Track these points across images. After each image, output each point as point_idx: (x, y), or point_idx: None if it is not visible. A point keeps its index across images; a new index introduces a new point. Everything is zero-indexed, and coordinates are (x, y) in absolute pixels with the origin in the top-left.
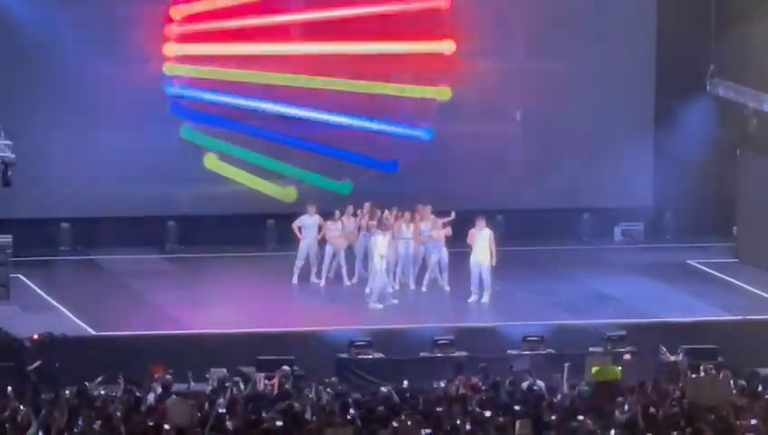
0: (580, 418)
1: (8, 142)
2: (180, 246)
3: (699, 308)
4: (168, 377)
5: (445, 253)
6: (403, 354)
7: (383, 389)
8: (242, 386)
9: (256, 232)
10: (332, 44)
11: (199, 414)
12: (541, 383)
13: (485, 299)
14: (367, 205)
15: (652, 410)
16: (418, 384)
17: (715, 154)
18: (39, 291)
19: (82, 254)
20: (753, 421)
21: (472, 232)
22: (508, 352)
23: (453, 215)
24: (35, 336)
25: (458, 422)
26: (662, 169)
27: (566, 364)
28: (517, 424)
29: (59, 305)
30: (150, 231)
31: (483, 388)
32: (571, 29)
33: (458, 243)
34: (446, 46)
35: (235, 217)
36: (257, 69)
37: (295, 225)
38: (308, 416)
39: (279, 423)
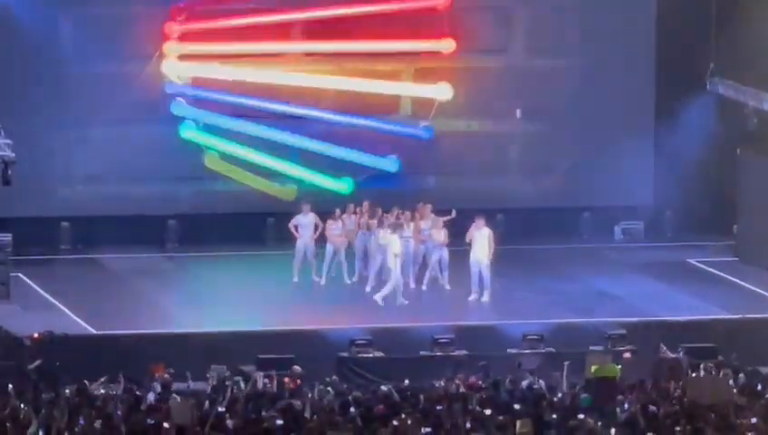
0: (581, 416)
1: (8, 141)
2: (180, 245)
3: (699, 307)
4: (168, 376)
5: (445, 252)
6: (403, 353)
7: (383, 387)
8: (242, 385)
9: (256, 231)
10: (332, 43)
11: (199, 413)
12: (541, 382)
13: (485, 298)
14: (366, 203)
15: (652, 408)
16: (419, 383)
17: (715, 153)
18: (39, 290)
19: (83, 253)
20: (754, 420)
21: (471, 230)
22: (516, 351)
23: (453, 213)
24: (35, 335)
25: (458, 421)
26: (662, 167)
27: (566, 363)
28: (518, 423)
29: (59, 304)
30: (151, 230)
31: (483, 386)
32: (571, 27)
33: (458, 242)
34: (446, 45)
35: (235, 215)
36: (257, 67)
37: (291, 224)
38: (307, 415)
39: (279, 422)
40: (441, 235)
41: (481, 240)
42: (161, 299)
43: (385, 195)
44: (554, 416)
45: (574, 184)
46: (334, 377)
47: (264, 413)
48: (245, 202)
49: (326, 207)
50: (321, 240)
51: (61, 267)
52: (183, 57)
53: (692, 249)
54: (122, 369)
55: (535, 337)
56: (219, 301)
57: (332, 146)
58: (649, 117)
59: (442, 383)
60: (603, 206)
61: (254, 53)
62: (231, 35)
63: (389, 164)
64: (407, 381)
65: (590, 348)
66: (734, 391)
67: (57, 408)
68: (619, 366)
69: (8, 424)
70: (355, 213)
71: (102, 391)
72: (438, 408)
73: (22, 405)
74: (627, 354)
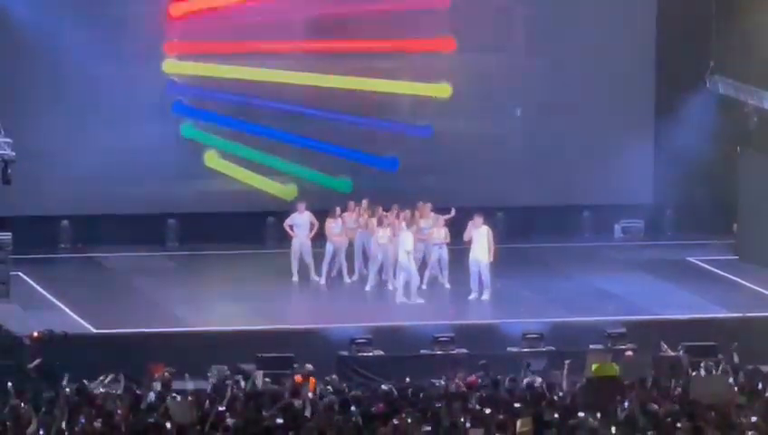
0: (581, 415)
1: (8, 140)
2: (181, 244)
3: (699, 305)
4: (168, 374)
5: (445, 251)
6: (403, 352)
7: (383, 386)
8: (242, 383)
9: (256, 229)
10: (332, 42)
11: (199, 412)
12: (541, 380)
13: (485, 297)
14: (365, 202)
15: (652, 406)
16: (419, 382)
17: (715, 151)
18: (39, 289)
19: (82, 251)
20: (754, 419)
21: (469, 228)
22: (516, 349)
23: (453, 212)
24: (35, 334)
25: (458, 420)
26: (662, 166)
27: (566, 362)
28: (518, 422)
29: (59, 303)
30: (151, 229)
31: (483, 385)
32: (570, 26)
33: (458, 240)
34: (446, 43)
35: (235, 214)
36: (257, 66)
37: (287, 223)
38: (307, 413)
39: (279, 421)
40: (441, 233)
41: (480, 239)
42: (161, 298)
43: (385, 194)
44: (555, 415)
45: (574, 183)
46: (334, 376)
47: (264, 412)
48: (245, 201)
49: (326, 205)
50: (321, 239)
51: (60, 266)
52: (183, 56)
53: (692, 248)
54: (122, 368)
55: (535, 336)
56: (219, 300)
57: (332, 145)
58: (649, 115)
59: (442, 382)
60: (603, 204)
61: (255, 52)
62: (231, 34)
63: (389, 163)
64: (407, 380)
65: (591, 347)
66: (735, 389)
67: (57, 407)
68: (618, 365)
69: (8, 423)
70: (355, 211)
71: (102, 390)
72: (438, 406)
73: (22, 404)
74: (629, 353)
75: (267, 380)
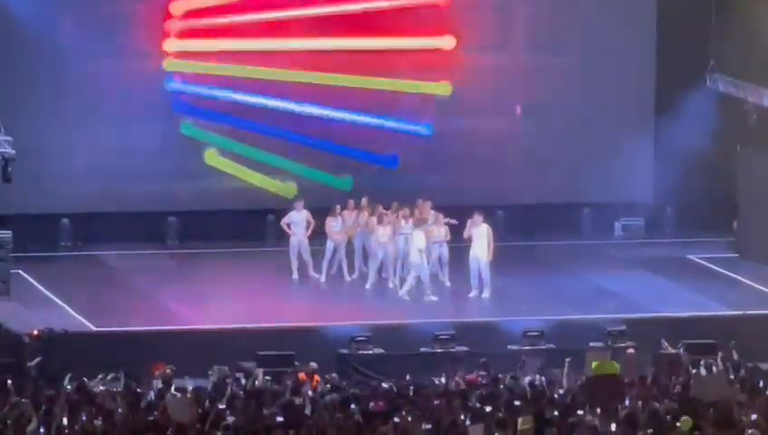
0: (580, 412)
1: (8, 138)
2: (181, 242)
3: (699, 303)
4: (169, 371)
5: (445, 248)
6: (403, 350)
7: (384, 384)
8: (243, 382)
9: (257, 227)
10: (333, 40)
11: (200, 410)
12: (542, 379)
13: (486, 294)
14: (364, 200)
15: (653, 404)
16: (419, 380)
17: (715, 149)
18: (39, 287)
19: (83, 249)
20: (754, 417)
21: (468, 226)
22: (517, 347)
23: (454, 221)
24: (35, 332)
25: (458, 418)
26: (662, 164)
27: (567, 359)
28: (519, 420)
29: (59, 301)
30: (151, 227)
31: (483, 383)
32: (571, 24)
33: (459, 238)
34: (446, 41)
35: (235, 212)
36: (257, 64)
37: (284, 222)
38: (307, 412)
39: (279, 419)
40: (441, 231)
41: (480, 237)
42: (161, 296)
43: (385, 192)
44: (555, 413)
45: (574, 181)
46: (333, 374)
47: (264, 410)
48: (245, 199)
49: (326, 204)
50: (321, 237)
51: (61, 264)
52: (183, 54)
53: (692, 245)
54: (122, 366)
55: (536, 334)
56: (219, 298)
57: (332, 143)
58: (649, 113)
59: (442, 380)
60: (603, 202)
61: (255, 50)
62: (231, 32)
63: (389, 161)
64: (407, 378)
65: (591, 344)
66: (737, 386)
67: (57, 405)
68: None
69: (8, 421)
70: (355, 210)
71: (102, 388)
72: (438, 404)
73: (22, 401)
74: (629, 350)
75: (268, 378)
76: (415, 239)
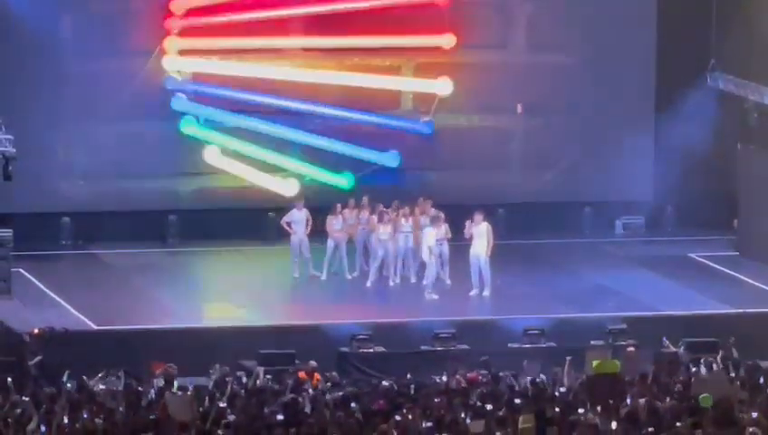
0: (581, 411)
1: (9, 137)
2: (181, 240)
3: (700, 301)
4: (170, 370)
5: (446, 247)
6: (404, 348)
7: (384, 383)
8: (244, 380)
9: (257, 226)
10: (333, 38)
11: (201, 409)
12: (543, 377)
13: (486, 293)
14: (365, 198)
15: (653, 402)
16: (420, 378)
17: (715, 147)
18: (40, 285)
19: (83, 248)
20: (755, 414)
21: (469, 226)
22: (517, 345)
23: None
24: (36, 331)
25: (459, 416)
26: (663, 162)
27: (567, 358)
28: (520, 418)
29: (60, 300)
30: (151, 225)
31: (484, 381)
32: (571, 22)
33: (460, 237)
34: (447, 40)
35: (235, 210)
36: (257, 63)
37: (284, 220)
38: (307, 410)
39: (280, 417)
40: (442, 230)
41: (480, 235)
42: (162, 294)
43: (386, 190)
44: (556, 410)
45: (575, 179)
46: (334, 373)
47: (265, 409)
48: (246, 197)
49: (327, 202)
50: (321, 235)
51: (61, 263)
52: (183, 52)
53: (692, 244)
54: (123, 364)
55: (536, 332)
56: (220, 296)
57: (333, 141)
58: (650, 112)
59: (443, 378)
60: (604, 201)
61: (255, 49)
62: (231, 31)
63: (390, 159)
64: (408, 376)
65: (591, 343)
66: (738, 383)
67: (58, 404)
68: (619, 362)
69: (9, 420)
70: (356, 208)
71: (103, 386)
72: (437, 401)
73: (22, 401)
74: (630, 349)
75: (268, 376)
76: (426, 237)
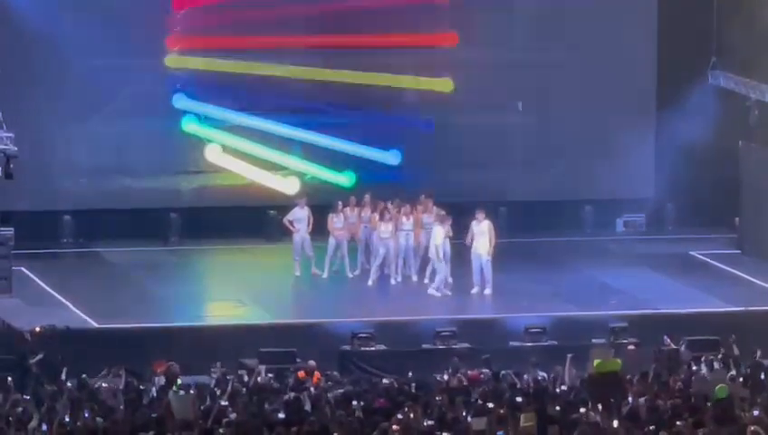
0: (582, 409)
1: (10, 135)
2: (182, 238)
3: (701, 299)
4: (173, 368)
5: (447, 245)
6: (405, 346)
7: (385, 381)
8: (245, 379)
9: (258, 224)
10: (335, 37)
11: (202, 407)
12: (544, 374)
13: (488, 291)
14: (367, 196)
15: (654, 400)
16: (421, 376)
17: (716, 145)
18: (41, 283)
19: (85, 246)
20: (756, 412)
21: (472, 226)
22: (521, 344)
23: (449, 222)
24: (37, 329)
25: (460, 414)
26: (664, 160)
27: (568, 355)
28: (522, 416)
29: (61, 298)
30: (153, 223)
31: (485, 379)
32: (572, 20)
33: (461, 235)
34: (448, 38)
35: (237, 208)
36: (259, 61)
37: (287, 219)
38: (308, 408)
39: (281, 416)
40: (444, 231)
41: (482, 233)
42: (163, 293)
43: (387, 188)
44: (557, 408)
45: (576, 177)
46: (334, 372)
47: (266, 407)
48: (247, 196)
49: (328, 200)
50: (323, 234)
51: (63, 261)
52: (185, 50)
53: (694, 242)
54: (124, 362)
55: (537, 330)
56: (221, 294)
57: (334, 139)
58: (651, 109)
59: (444, 377)
60: (605, 199)
61: (257, 47)
62: (234, 29)
63: (391, 157)
64: (409, 375)
65: (593, 341)
66: (740, 381)
67: (59, 402)
68: (620, 360)
69: (10, 419)
70: (357, 206)
71: (105, 384)
72: (440, 400)
73: (24, 398)
74: (631, 347)
75: (270, 375)
76: (434, 235)
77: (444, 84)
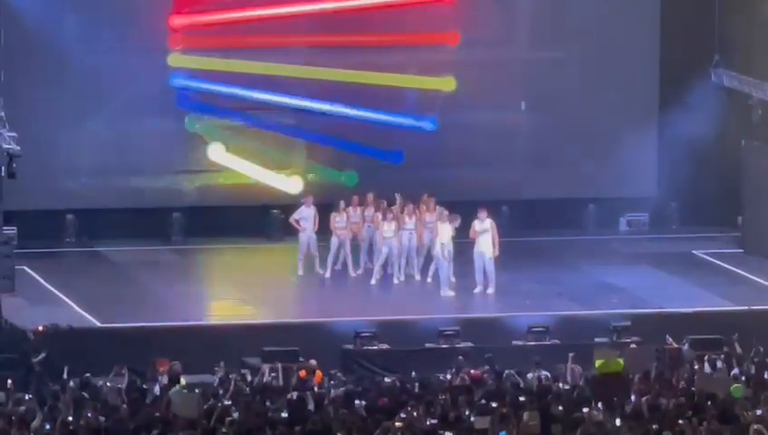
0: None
1: (13, 134)
2: (185, 238)
3: (704, 298)
4: (175, 366)
5: (451, 244)
6: (408, 345)
7: (388, 380)
8: (248, 378)
9: (261, 223)
10: (337, 36)
11: (205, 406)
12: (547, 373)
13: (490, 290)
14: (370, 195)
15: (657, 399)
16: (424, 375)
17: (719, 144)
18: (44, 283)
19: (87, 245)
20: (759, 411)
21: (475, 224)
22: (524, 343)
23: (458, 222)
24: (40, 328)
25: (464, 413)
26: (667, 159)
27: (570, 354)
28: (525, 415)
29: (64, 297)
30: (156, 222)
31: (488, 378)
32: (575, 19)
33: (464, 234)
34: (451, 37)
35: (240, 208)
36: (262, 60)
37: (293, 218)
38: (311, 407)
39: (284, 414)
40: (446, 230)
41: (485, 232)
42: (166, 292)
43: (390, 187)
44: (560, 407)
45: (579, 176)
46: (337, 372)
47: (269, 405)
48: (250, 195)
49: (331, 199)
50: (326, 233)
51: (66, 260)
52: (188, 49)
53: (697, 241)
54: (127, 361)
55: (540, 329)
56: (224, 293)
57: (337, 139)
58: (654, 108)
59: (447, 376)
60: (608, 197)
61: (259, 46)
62: (236, 28)
63: (394, 157)
64: (412, 374)
65: (596, 340)
66: (743, 379)
67: (62, 401)
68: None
69: (13, 418)
70: (360, 205)
71: (108, 383)
72: (443, 400)
73: (26, 398)
74: (633, 345)
75: (273, 374)
76: (441, 233)
77: (446, 83)
